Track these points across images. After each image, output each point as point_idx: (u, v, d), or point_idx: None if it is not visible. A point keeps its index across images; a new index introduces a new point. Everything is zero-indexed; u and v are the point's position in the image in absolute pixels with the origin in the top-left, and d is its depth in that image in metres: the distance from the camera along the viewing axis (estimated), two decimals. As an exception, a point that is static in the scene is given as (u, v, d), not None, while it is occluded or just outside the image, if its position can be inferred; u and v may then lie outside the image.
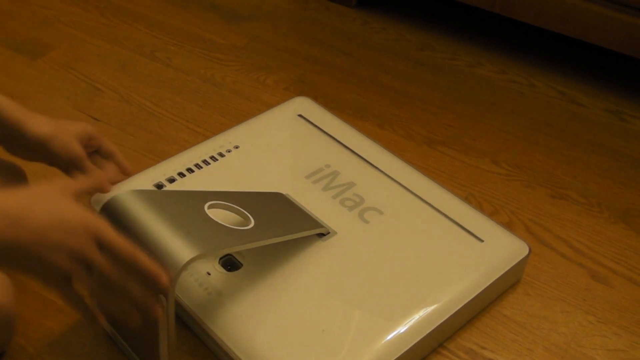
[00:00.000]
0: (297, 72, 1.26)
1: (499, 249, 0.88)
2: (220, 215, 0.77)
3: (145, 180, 0.93)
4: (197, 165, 0.96)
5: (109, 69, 1.25)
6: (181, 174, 0.94)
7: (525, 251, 0.88)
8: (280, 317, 0.79)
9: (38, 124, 0.83)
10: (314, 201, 0.91)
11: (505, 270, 0.86)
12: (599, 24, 1.16)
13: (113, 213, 0.71)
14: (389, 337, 0.78)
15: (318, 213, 0.90)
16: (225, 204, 0.80)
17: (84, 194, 0.72)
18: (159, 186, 0.93)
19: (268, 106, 1.10)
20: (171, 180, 0.93)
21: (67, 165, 0.87)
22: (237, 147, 0.99)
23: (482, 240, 0.88)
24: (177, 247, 0.68)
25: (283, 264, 0.84)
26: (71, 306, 0.68)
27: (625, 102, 1.21)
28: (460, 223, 0.90)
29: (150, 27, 1.35)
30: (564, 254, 0.96)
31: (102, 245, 0.65)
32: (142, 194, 0.73)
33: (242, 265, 0.83)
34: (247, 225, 0.79)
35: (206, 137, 1.03)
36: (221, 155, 0.98)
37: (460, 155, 1.11)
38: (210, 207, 0.77)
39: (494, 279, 0.85)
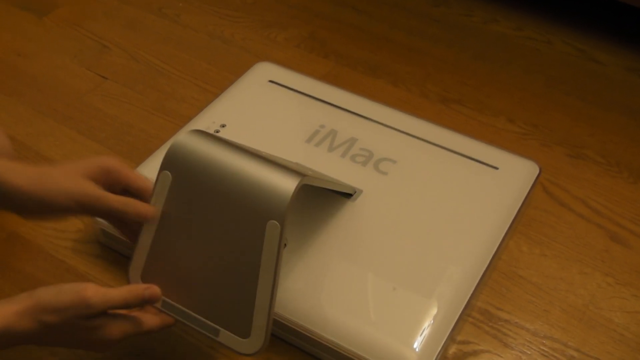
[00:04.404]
0: (309, 29, 1.23)
1: (514, 172, 0.90)
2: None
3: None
4: None
5: (116, 27, 1.22)
6: None
7: (536, 170, 0.91)
8: (346, 285, 0.76)
9: (17, 174, 0.66)
10: (326, 164, 0.89)
11: (528, 189, 0.88)
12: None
13: (183, 155, 0.67)
14: (459, 275, 0.78)
15: (335, 174, 0.87)
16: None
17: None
18: None
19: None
20: None
21: (83, 212, 0.69)
22: (223, 125, 0.94)
23: (496, 168, 0.89)
24: (278, 176, 0.64)
25: (325, 235, 0.81)
26: None
27: (645, 59, 1.19)
28: (471, 155, 0.91)
29: (157, -17, 1.32)
30: (582, 215, 0.94)
31: None
32: (206, 134, 0.69)
33: (285, 244, 0.78)
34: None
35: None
36: None
37: (475, 114, 1.08)
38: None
39: (522, 200, 0.87)
